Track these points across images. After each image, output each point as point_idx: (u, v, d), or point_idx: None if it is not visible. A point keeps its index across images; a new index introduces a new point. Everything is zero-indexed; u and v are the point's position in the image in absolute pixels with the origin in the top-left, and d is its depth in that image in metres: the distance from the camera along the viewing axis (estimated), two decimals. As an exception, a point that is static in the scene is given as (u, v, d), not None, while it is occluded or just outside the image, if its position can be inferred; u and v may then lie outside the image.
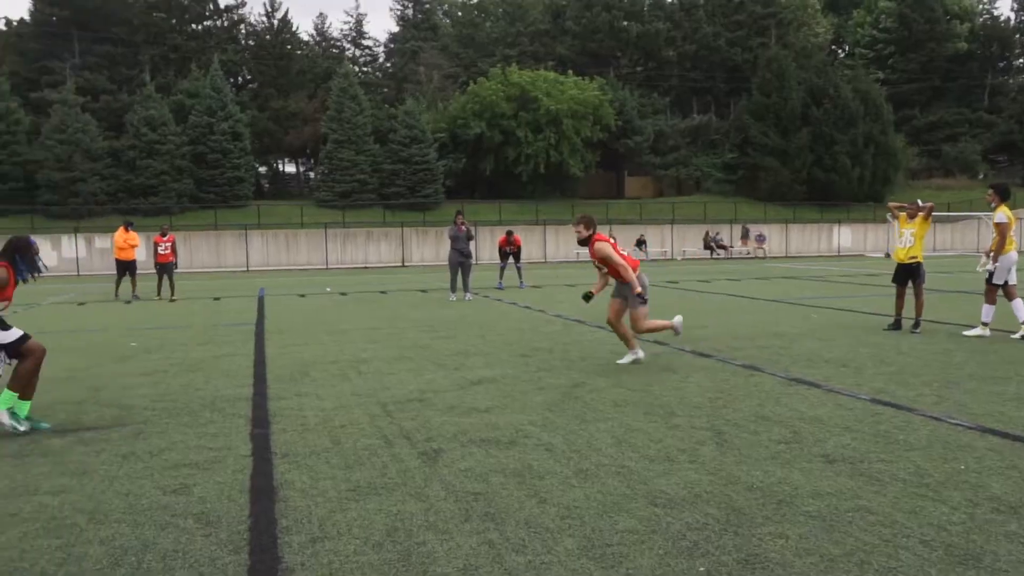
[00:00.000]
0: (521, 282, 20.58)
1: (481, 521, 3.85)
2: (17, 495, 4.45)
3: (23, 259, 6.00)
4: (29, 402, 6.01)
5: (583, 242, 8.31)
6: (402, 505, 4.08)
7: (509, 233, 20.75)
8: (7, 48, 52.17)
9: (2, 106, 43.30)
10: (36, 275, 6.15)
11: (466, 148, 50.91)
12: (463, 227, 17.20)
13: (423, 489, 4.33)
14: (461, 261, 17.17)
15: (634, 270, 8.17)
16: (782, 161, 52.30)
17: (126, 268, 18.99)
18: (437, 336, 10.77)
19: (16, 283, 6.00)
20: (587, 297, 8.42)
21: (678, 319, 8.92)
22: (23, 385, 5.90)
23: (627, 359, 8.32)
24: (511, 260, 20.70)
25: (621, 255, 8.22)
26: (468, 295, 16.96)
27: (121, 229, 18.95)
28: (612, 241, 8.31)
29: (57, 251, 37.21)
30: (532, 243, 39.74)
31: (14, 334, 5.88)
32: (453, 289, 17.20)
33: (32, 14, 52.20)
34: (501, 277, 20.68)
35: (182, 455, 5.14)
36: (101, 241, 36.96)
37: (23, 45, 51.49)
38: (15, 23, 54.01)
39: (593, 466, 4.72)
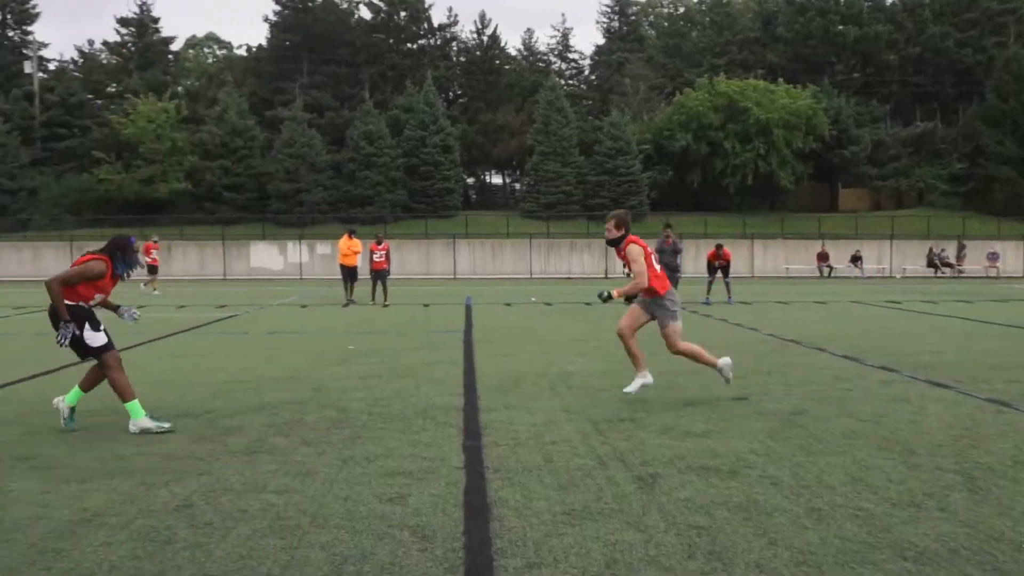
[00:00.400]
0: (729, 298, 19.86)
1: (706, 560, 3.56)
2: (247, 491, 4.62)
3: (123, 257, 6.37)
4: (82, 393, 6.34)
5: (612, 242, 7.42)
6: (620, 534, 3.87)
7: (719, 247, 20.12)
8: (247, 71, 57.07)
9: (241, 124, 47.40)
10: (131, 273, 6.54)
11: (672, 160, 50.18)
12: (670, 240, 16.81)
13: (641, 518, 4.09)
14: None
15: (663, 288, 7.22)
16: (1021, 172, 47.72)
17: (351, 273, 19.96)
18: (645, 352, 10.46)
19: (114, 278, 6.35)
20: (605, 297, 7.41)
21: (726, 360, 7.42)
22: (125, 390, 6.18)
23: (634, 386, 7.20)
24: (719, 274, 20.04)
25: (652, 268, 7.21)
26: (674, 310, 16.52)
27: (346, 236, 20.01)
28: (647, 248, 7.32)
29: (283, 256, 40.06)
30: (739, 257, 38.44)
31: (100, 339, 6.20)
32: (659, 303, 16.82)
33: (269, 40, 56.84)
34: (708, 292, 20.06)
35: (397, 463, 5.18)
36: (322, 247, 39.41)
37: (260, 68, 56.17)
38: (254, 49, 58.99)
39: (827, 506, 4.30)
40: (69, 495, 4.58)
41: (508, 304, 19.48)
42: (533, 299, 21.23)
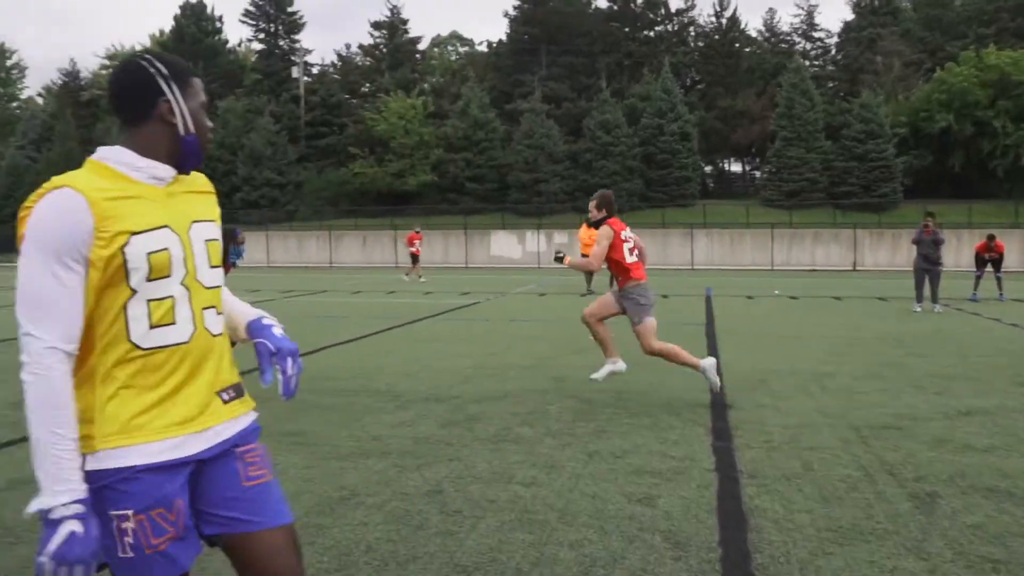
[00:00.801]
0: (1001, 294, 17.92)
1: (1008, 598, 3.10)
2: (494, 481, 4.64)
3: (232, 247, 6.94)
4: None
5: (594, 224, 7.07)
6: (898, 560, 3.46)
7: (990, 238, 18.18)
8: (488, 66, 59.04)
9: (483, 117, 49.10)
10: (239, 261, 7.09)
11: (930, 142, 46.19)
12: (930, 230, 15.40)
13: (921, 543, 3.65)
14: (927, 268, 15.40)
15: (639, 278, 6.81)
16: None
17: None
18: (908, 352, 9.61)
19: (226, 267, 6.86)
20: (559, 257, 7.09)
21: (709, 361, 6.70)
22: None
23: (602, 372, 7.07)
24: (989, 268, 18.13)
25: (621, 255, 6.76)
26: (937, 306, 15.14)
27: (584, 225, 20.09)
28: (623, 237, 6.81)
29: (522, 245, 41.01)
30: (1011, 250, 34.70)
31: None
32: (919, 299, 15.48)
33: (508, 35, 58.44)
34: (976, 288, 18.20)
35: (644, 460, 5.01)
36: (559, 236, 39.93)
37: (501, 63, 57.89)
38: (495, 44, 60.88)
39: None
40: (329, 472, 4.81)
41: (750, 297, 18.71)
42: (776, 292, 20.27)
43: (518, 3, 58.05)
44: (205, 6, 59.63)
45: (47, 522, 1.67)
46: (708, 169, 60.59)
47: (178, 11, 59.51)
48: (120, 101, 1.89)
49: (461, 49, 73.56)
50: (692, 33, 60.93)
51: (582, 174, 47.50)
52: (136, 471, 1.78)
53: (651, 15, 59.15)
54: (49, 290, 1.72)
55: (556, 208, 46.19)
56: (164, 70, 1.88)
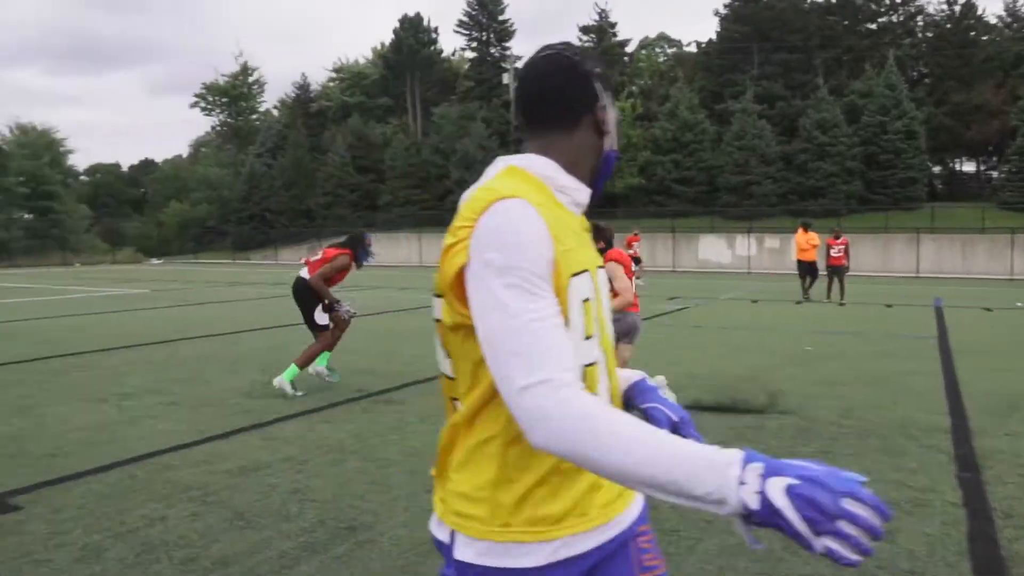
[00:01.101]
0: None
1: None
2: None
3: (364, 249, 7.69)
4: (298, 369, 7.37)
5: None
6: None
7: None
8: (696, 66, 57.86)
9: (692, 118, 48.20)
10: (367, 262, 7.79)
11: None
12: None
13: None
14: None
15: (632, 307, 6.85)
16: None
17: (809, 269, 19.09)
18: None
19: (351, 269, 7.73)
20: None
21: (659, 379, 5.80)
22: (306, 361, 7.40)
23: None
24: None
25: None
26: None
27: (800, 230, 19.17)
28: (626, 260, 6.91)
29: (731, 249, 39.82)
30: None
31: (324, 320, 7.60)
32: None
33: (718, 34, 56.98)
34: None
35: (879, 488, 4.56)
36: (771, 241, 38.42)
37: (710, 62, 56.53)
38: (703, 44, 59.64)
39: None
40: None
41: (988, 309, 17.10)
42: (1019, 304, 18.39)
43: (728, 1, 56.51)
44: (422, 18, 62.41)
45: (761, 514, 1.10)
46: (937, 169, 56.22)
47: (397, 24, 62.69)
48: (547, 103, 1.49)
49: (669, 50, 72.53)
50: (920, 23, 56.75)
51: (796, 176, 45.47)
52: (528, 572, 1.37)
53: (873, 6, 55.70)
54: (530, 322, 1.26)
55: (768, 211, 44.45)
56: (598, 70, 1.51)
